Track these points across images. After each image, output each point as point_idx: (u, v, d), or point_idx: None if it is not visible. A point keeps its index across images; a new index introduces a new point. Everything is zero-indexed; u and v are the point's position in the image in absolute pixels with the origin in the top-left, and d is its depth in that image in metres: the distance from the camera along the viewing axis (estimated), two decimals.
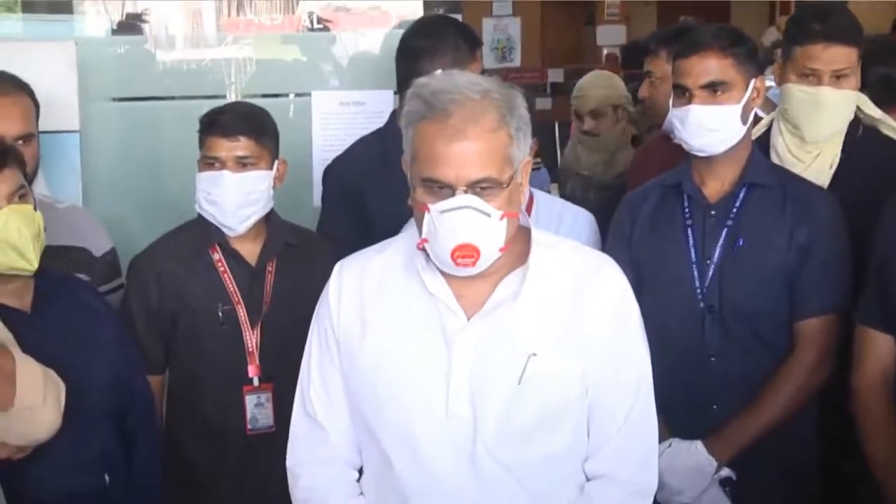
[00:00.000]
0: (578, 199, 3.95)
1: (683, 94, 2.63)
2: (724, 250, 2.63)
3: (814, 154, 2.86)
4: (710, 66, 2.59)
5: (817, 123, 2.83)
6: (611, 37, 9.91)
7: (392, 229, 2.84)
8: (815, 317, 2.61)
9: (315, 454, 2.11)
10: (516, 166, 1.91)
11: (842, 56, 2.80)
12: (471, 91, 1.88)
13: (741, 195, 2.66)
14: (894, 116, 3.02)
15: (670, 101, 2.71)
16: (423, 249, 1.95)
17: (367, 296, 2.04)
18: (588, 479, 2.02)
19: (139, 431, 2.63)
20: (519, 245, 1.98)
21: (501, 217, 1.89)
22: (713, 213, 2.66)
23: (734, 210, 2.65)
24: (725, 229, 2.64)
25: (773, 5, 12.45)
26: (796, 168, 2.82)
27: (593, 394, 1.98)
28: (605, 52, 9.81)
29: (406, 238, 2.08)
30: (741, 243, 2.62)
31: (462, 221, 1.87)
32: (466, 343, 1.95)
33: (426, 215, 1.89)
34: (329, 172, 3.25)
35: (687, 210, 2.69)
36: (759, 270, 2.61)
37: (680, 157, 2.76)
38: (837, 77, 2.81)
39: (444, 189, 1.88)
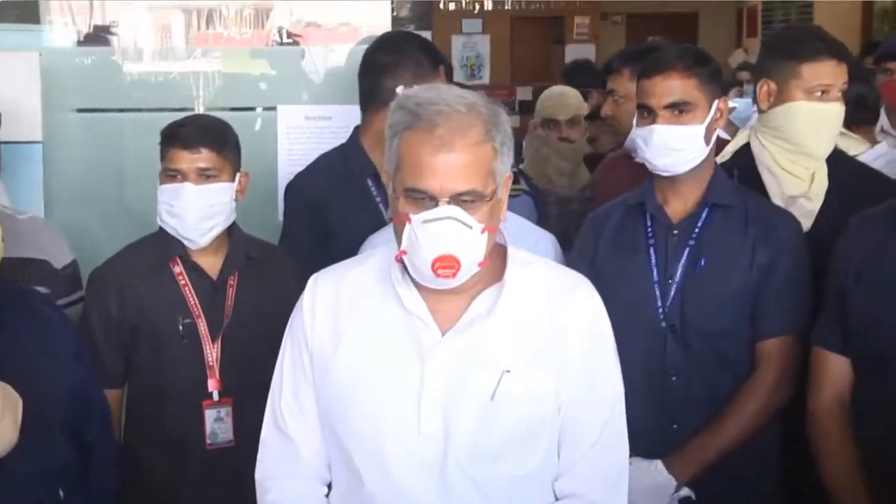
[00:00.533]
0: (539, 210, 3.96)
1: (647, 114, 2.65)
2: (685, 270, 2.64)
3: (810, 171, 2.87)
4: (673, 86, 2.61)
5: (824, 139, 2.87)
6: (580, 55, 9.97)
7: (354, 245, 2.84)
8: (776, 337, 2.63)
9: (284, 468, 2.09)
10: (498, 181, 1.92)
11: (844, 72, 2.86)
12: (457, 103, 1.89)
13: (703, 215, 2.67)
14: (861, 135, 3.06)
15: (634, 120, 2.72)
16: (401, 262, 1.94)
17: (341, 309, 2.03)
18: (557, 499, 2.01)
19: (96, 445, 2.60)
20: (495, 261, 1.98)
21: (483, 231, 1.89)
22: (675, 232, 2.67)
23: (696, 230, 2.66)
24: (687, 249, 2.65)
25: (739, 27, 12.60)
26: (796, 186, 2.84)
27: (566, 412, 1.97)
28: None
29: (382, 252, 2.07)
30: (703, 263, 2.63)
31: (445, 232, 1.87)
32: (440, 359, 1.94)
33: (407, 226, 1.88)
34: (291, 187, 3.24)
35: (650, 229, 2.70)
36: (720, 290, 2.62)
37: (646, 173, 2.78)
38: (840, 92, 2.86)
39: (426, 200, 1.87)
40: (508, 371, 1.93)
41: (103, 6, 4.31)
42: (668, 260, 2.66)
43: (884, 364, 2.36)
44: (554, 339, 1.96)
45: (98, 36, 4.35)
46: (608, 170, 3.77)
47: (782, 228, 2.66)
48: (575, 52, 10.36)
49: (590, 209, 3.07)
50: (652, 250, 2.68)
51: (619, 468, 2.03)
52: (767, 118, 2.93)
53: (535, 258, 2.09)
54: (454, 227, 1.87)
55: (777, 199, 2.86)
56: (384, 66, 3.13)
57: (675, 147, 2.62)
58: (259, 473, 2.13)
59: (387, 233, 2.78)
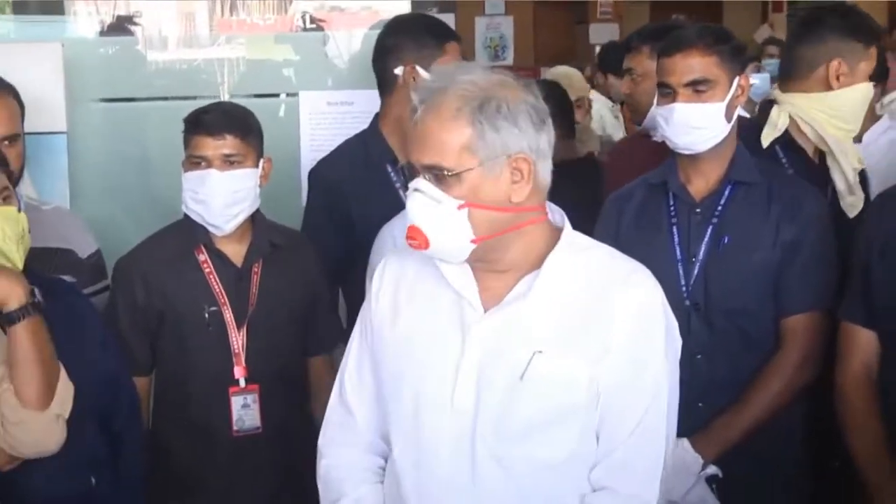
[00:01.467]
0: None
1: (668, 92, 2.63)
2: (709, 248, 2.63)
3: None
4: (693, 64, 2.60)
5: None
6: (603, 35, 9.90)
7: (375, 231, 2.85)
8: (800, 314, 2.61)
9: (342, 436, 2.16)
10: (486, 159, 1.91)
11: None
12: (444, 81, 1.95)
13: (726, 193, 2.66)
14: None
15: (655, 99, 2.70)
16: None
17: (403, 285, 2.10)
18: (592, 490, 1.99)
19: (125, 433, 2.62)
20: (550, 243, 2.00)
21: (460, 207, 1.91)
22: (698, 211, 2.66)
23: (719, 208, 2.65)
24: (710, 227, 2.64)
25: (765, 3, 12.46)
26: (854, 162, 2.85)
27: (604, 401, 1.96)
28: (597, 50, 9.83)
29: None
30: (726, 241, 2.62)
31: (412, 204, 1.95)
32: (479, 336, 1.97)
33: None
34: (313, 174, 3.26)
35: (672, 208, 2.69)
36: (744, 268, 2.61)
37: (659, 154, 2.76)
38: None
39: (413, 174, 1.96)
40: (540, 352, 1.94)
41: None
42: (692, 238, 2.65)
43: None
44: (597, 325, 1.95)
45: (121, 26, 4.36)
46: (619, 150, 3.75)
47: (807, 204, 2.65)
48: (598, 31, 10.29)
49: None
50: (675, 229, 2.67)
51: (654, 463, 1.99)
52: (833, 98, 2.91)
53: (595, 244, 2.08)
54: (419, 199, 1.94)
55: (844, 178, 2.86)
56: (388, 49, 3.14)
57: (695, 125, 2.61)
58: (320, 440, 2.21)
59: (401, 220, 2.80)
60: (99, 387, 2.53)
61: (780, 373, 2.61)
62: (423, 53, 3.07)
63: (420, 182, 1.94)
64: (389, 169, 3.12)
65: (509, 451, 1.95)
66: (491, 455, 1.95)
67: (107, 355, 2.60)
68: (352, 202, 3.09)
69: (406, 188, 3.05)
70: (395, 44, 3.13)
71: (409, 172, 1.97)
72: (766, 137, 2.91)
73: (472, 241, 1.93)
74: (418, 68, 3.06)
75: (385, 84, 3.17)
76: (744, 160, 2.69)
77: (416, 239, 1.95)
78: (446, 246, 1.95)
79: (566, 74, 4.77)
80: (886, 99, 3.98)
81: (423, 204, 1.93)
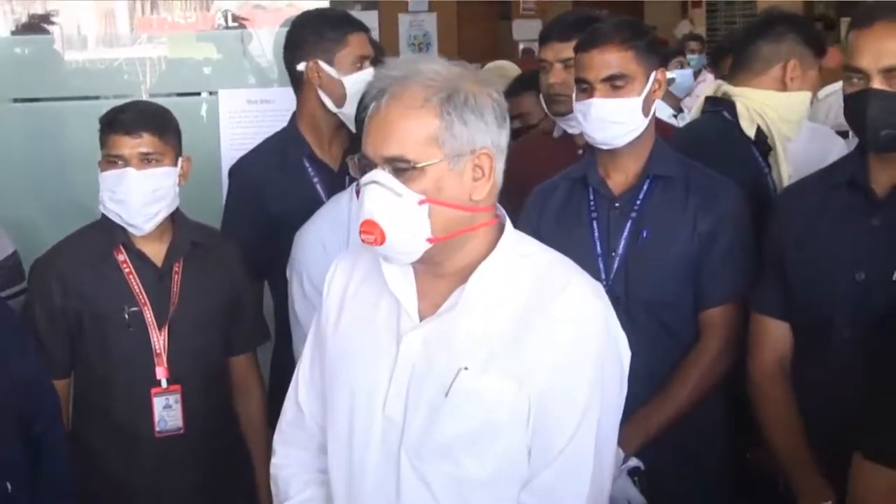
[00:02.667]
0: None
1: (585, 87, 2.65)
2: (628, 242, 2.65)
3: None
4: (610, 59, 2.61)
5: None
6: (527, 31, 9.94)
7: (293, 226, 2.85)
8: (718, 305, 2.64)
9: (293, 435, 2.13)
10: (451, 153, 1.83)
11: None
12: (406, 70, 1.85)
13: (644, 187, 2.68)
14: None
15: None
16: None
17: (350, 287, 2.03)
18: None
19: (46, 437, 2.58)
20: (492, 249, 1.91)
21: (422, 202, 1.82)
22: (617, 205, 2.68)
23: (638, 202, 2.67)
24: (629, 221, 2.66)
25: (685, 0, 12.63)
26: None
27: (534, 419, 1.87)
28: (521, 46, 9.88)
29: None
30: (645, 235, 2.64)
31: (368, 196, 1.84)
32: (411, 345, 1.91)
33: None
34: (233, 171, 3.25)
35: (592, 203, 2.71)
36: (662, 262, 2.63)
37: (561, 151, 2.75)
38: None
39: (367, 166, 1.86)
40: (466, 368, 1.86)
41: None
42: (611, 233, 2.66)
43: (826, 327, 2.39)
44: (529, 339, 1.86)
45: (37, 25, 4.30)
46: (522, 147, 3.77)
47: (723, 197, 2.68)
48: (522, 27, 10.33)
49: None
50: (595, 223, 2.68)
51: (578, 490, 1.88)
52: (786, 98, 3.02)
53: (539, 250, 1.98)
54: (377, 191, 1.83)
55: (780, 177, 2.95)
56: (292, 45, 3.14)
57: (613, 120, 2.62)
58: (275, 438, 2.17)
59: (328, 224, 2.80)
60: (16, 391, 2.49)
61: (699, 364, 2.63)
62: (324, 47, 3.06)
63: (378, 174, 1.82)
64: (307, 164, 3.12)
65: (432, 468, 1.89)
66: (414, 470, 1.89)
67: (25, 359, 2.56)
68: (270, 198, 3.08)
69: (325, 184, 3.09)
70: (297, 40, 3.12)
71: (362, 164, 1.86)
72: (749, 129, 2.98)
73: (428, 241, 1.84)
74: (321, 63, 3.05)
75: (295, 81, 3.17)
76: (662, 154, 2.71)
77: (372, 233, 1.83)
78: (402, 243, 1.85)
79: (501, 67, 4.77)
80: (822, 93, 4.07)
81: (382, 196, 1.82)
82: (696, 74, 6.93)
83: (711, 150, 2.90)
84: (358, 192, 2.49)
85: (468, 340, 1.88)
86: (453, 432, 1.88)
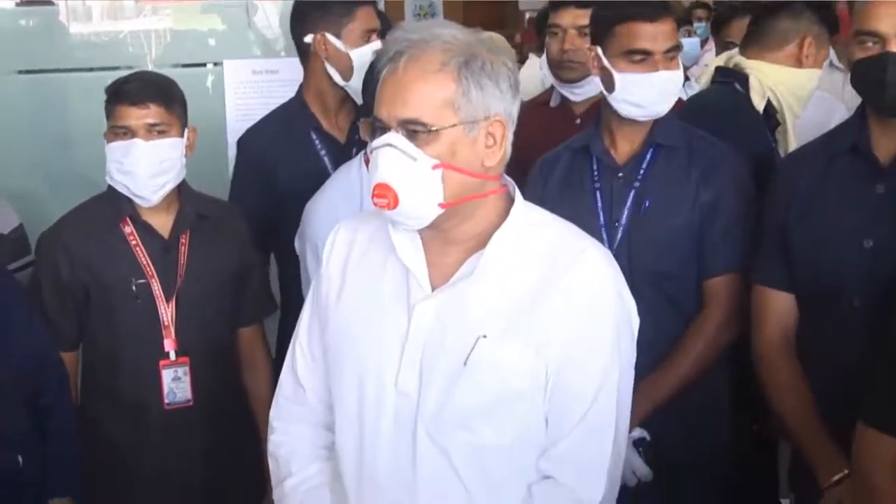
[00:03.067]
0: None
1: (641, 59, 2.60)
2: (630, 213, 2.64)
3: None
4: (668, 31, 2.62)
5: None
6: (532, 2, 9.89)
7: (300, 198, 2.84)
8: (722, 275, 2.64)
9: (292, 411, 2.09)
10: (467, 119, 1.82)
11: None
12: (423, 34, 1.83)
13: (648, 157, 2.67)
14: None
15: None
16: None
17: (353, 256, 2.00)
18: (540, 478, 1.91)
19: (54, 408, 2.60)
20: (504, 217, 1.90)
21: (436, 167, 1.81)
22: (620, 175, 2.67)
23: (641, 172, 2.66)
24: (633, 191, 2.65)
25: None
26: None
27: (553, 386, 1.86)
28: (527, 16, 9.81)
29: None
30: (647, 205, 2.63)
31: (382, 159, 1.82)
32: (424, 315, 1.89)
33: None
34: (241, 141, 3.24)
35: (596, 173, 2.69)
36: (665, 232, 2.62)
37: (557, 122, 2.73)
38: None
39: (380, 129, 1.84)
40: (485, 336, 1.85)
41: None
42: (614, 203, 2.65)
43: (835, 296, 2.38)
44: (545, 307, 1.85)
45: None
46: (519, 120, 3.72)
47: (725, 166, 2.66)
48: None
49: None
50: (598, 194, 2.67)
51: (598, 458, 1.89)
52: (801, 75, 3.02)
53: (551, 219, 1.97)
54: (391, 154, 1.81)
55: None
56: (299, 17, 3.13)
57: (671, 91, 2.63)
58: (271, 413, 2.13)
59: (326, 194, 2.79)
60: (24, 364, 2.50)
61: (703, 334, 2.63)
62: (332, 20, 3.04)
63: (393, 136, 1.81)
64: (314, 136, 3.11)
65: (451, 438, 1.87)
66: (432, 441, 1.87)
67: (32, 332, 2.57)
68: (277, 170, 3.07)
69: (331, 155, 3.07)
70: (305, 12, 3.10)
71: (374, 127, 1.85)
72: (759, 103, 2.97)
73: (440, 206, 1.83)
74: (328, 36, 3.04)
75: (302, 53, 3.15)
76: (666, 123, 2.69)
77: (385, 197, 1.81)
78: (415, 207, 1.83)
79: (491, 39, 4.74)
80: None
81: (396, 160, 1.81)
82: (703, 43, 6.87)
83: (722, 121, 2.89)
84: (367, 161, 2.51)
85: (484, 309, 1.87)
86: (473, 402, 1.86)
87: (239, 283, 2.90)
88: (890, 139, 2.35)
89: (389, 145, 1.82)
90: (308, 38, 3.07)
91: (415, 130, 1.81)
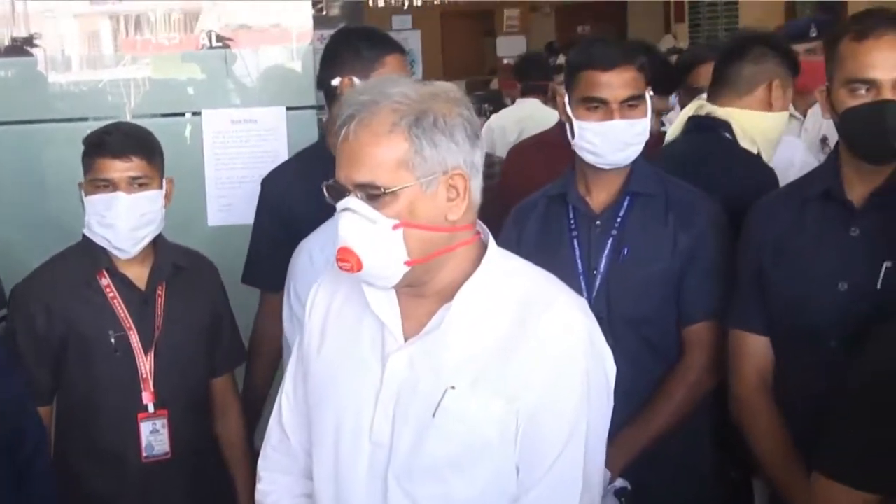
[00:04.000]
0: None
1: (597, 107, 2.62)
2: (609, 260, 2.65)
3: None
4: (628, 79, 2.62)
5: None
6: (511, 47, 9.99)
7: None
8: (701, 322, 2.65)
9: (279, 461, 2.11)
10: (423, 176, 1.82)
11: None
12: (373, 94, 1.84)
13: (625, 204, 2.68)
14: None
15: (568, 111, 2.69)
16: None
17: (333, 308, 2.02)
18: None
19: (33, 462, 2.56)
20: (476, 266, 1.90)
21: (396, 227, 1.82)
22: (598, 223, 2.68)
23: (618, 220, 2.67)
24: (611, 239, 2.66)
25: (667, 13, 12.69)
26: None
27: (521, 439, 1.86)
28: (504, 62, 9.95)
29: None
30: (626, 253, 2.64)
31: (343, 223, 1.85)
32: (397, 365, 1.89)
33: None
34: (263, 183, 3.26)
35: (572, 221, 2.70)
36: (644, 279, 2.63)
37: (558, 158, 2.75)
38: None
39: (341, 194, 1.86)
40: (453, 388, 1.85)
41: (27, 16, 4.24)
42: (592, 251, 2.66)
43: (812, 338, 2.40)
44: (516, 357, 1.85)
45: (20, 47, 4.28)
46: (517, 153, 3.75)
47: (702, 212, 2.68)
48: (506, 44, 10.39)
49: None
50: (576, 242, 2.68)
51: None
52: (771, 119, 3.07)
53: (524, 267, 1.98)
54: (351, 219, 1.83)
55: None
56: (328, 60, 3.12)
57: (630, 142, 2.63)
58: (259, 463, 2.15)
59: (319, 235, 2.80)
60: (1, 415, 2.47)
61: (684, 381, 2.64)
62: (360, 65, 3.04)
63: (351, 201, 1.83)
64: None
65: (422, 488, 1.87)
66: (403, 491, 1.88)
67: (10, 382, 2.54)
68: (296, 210, 3.07)
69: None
70: (334, 55, 3.11)
71: (336, 191, 1.86)
72: (751, 148, 3.02)
73: (406, 264, 1.84)
74: (355, 80, 3.06)
75: (328, 95, 3.16)
76: (642, 171, 2.71)
77: (348, 261, 1.84)
78: (379, 269, 1.84)
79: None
80: None
81: (356, 223, 1.83)
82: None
83: (724, 165, 2.94)
84: None
85: (454, 359, 1.87)
86: (442, 452, 1.86)
87: (213, 334, 2.90)
88: (865, 183, 2.38)
89: (348, 209, 1.84)
90: (335, 81, 3.08)
91: (372, 193, 1.82)
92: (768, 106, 3.05)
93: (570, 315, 1.90)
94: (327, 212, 2.95)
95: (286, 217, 3.10)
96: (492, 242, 1.95)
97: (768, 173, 2.99)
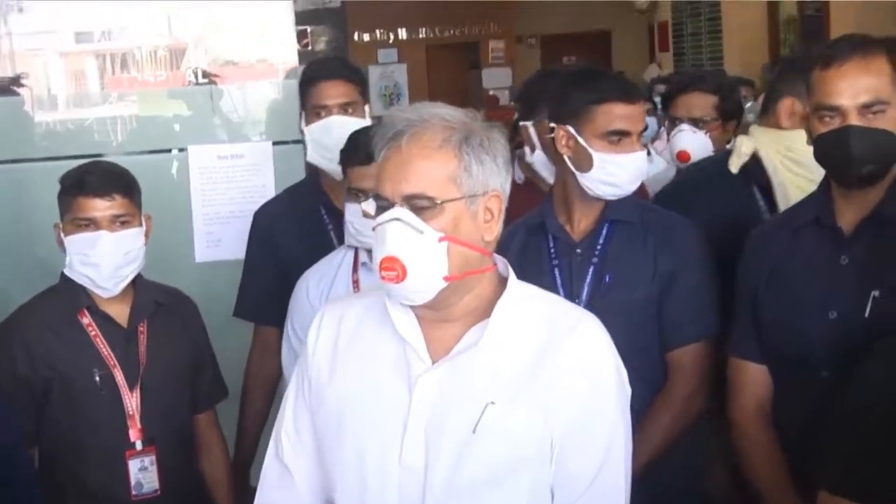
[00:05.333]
0: None
1: (618, 140, 2.64)
2: (591, 288, 2.65)
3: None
4: (643, 113, 2.72)
5: None
6: (496, 79, 10.04)
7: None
8: (687, 345, 2.65)
9: (280, 497, 2.07)
10: (468, 193, 1.88)
11: None
12: (422, 113, 1.90)
13: (604, 232, 2.69)
14: None
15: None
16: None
17: (342, 337, 2.02)
18: None
19: (23, 501, 2.54)
20: (498, 292, 1.95)
21: (441, 240, 1.85)
22: (578, 251, 2.69)
23: (598, 247, 2.68)
24: (592, 267, 2.67)
25: (652, 43, 12.77)
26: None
27: (558, 455, 1.89)
28: (490, 92, 9.99)
29: None
30: (608, 280, 2.65)
31: (390, 233, 1.86)
32: (427, 388, 1.90)
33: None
34: (254, 215, 3.31)
35: (553, 249, 2.71)
36: (627, 305, 2.62)
37: (528, 198, 2.80)
38: None
39: (385, 205, 1.88)
40: (493, 403, 1.87)
41: (13, 55, 4.25)
42: (574, 279, 2.67)
43: (804, 367, 2.40)
44: (547, 376, 1.89)
45: (6, 87, 4.29)
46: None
47: (680, 234, 2.69)
48: (492, 76, 10.44)
49: None
50: (556, 271, 2.69)
51: None
52: (786, 138, 3.00)
53: (540, 293, 2.04)
54: (398, 228, 1.86)
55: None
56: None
57: (643, 171, 2.70)
58: (257, 500, 2.11)
59: (317, 269, 2.81)
60: None
61: (671, 406, 2.63)
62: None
63: (400, 211, 1.85)
64: (323, 212, 3.17)
65: None
66: None
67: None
68: (285, 242, 3.12)
69: (338, 232, 3.10)
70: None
71: (379, 205, 1.89)
72: (733, 164, 3.04)
73: (445, 279, 1.87)
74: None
75: None
76: (619, 199, 2.71)
77: (394, 269, 1.85)
78: (420, 281, 1.87)
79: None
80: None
81: (403, 233, 1.85)
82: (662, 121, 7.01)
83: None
84: (355, 263, 2.73)
85: (489, 377, 1.90)
86: (483, 470, 1.88)
87: (195, 369, 2.90)
88: (853, 210, 2.39)
89: (396, 219, 1.86)
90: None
91: (420, 205, 1.86)
92: (778, 124, 3.08)
93: (596, 334, 1.97)
94: (318, 246, 3.00)
95: (277, 250, 3.13)
96: (511, 271, 1.99)
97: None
